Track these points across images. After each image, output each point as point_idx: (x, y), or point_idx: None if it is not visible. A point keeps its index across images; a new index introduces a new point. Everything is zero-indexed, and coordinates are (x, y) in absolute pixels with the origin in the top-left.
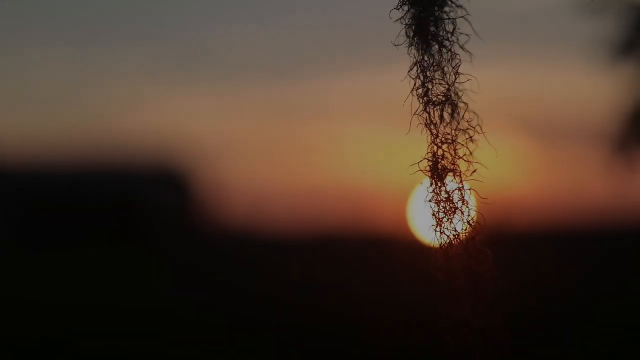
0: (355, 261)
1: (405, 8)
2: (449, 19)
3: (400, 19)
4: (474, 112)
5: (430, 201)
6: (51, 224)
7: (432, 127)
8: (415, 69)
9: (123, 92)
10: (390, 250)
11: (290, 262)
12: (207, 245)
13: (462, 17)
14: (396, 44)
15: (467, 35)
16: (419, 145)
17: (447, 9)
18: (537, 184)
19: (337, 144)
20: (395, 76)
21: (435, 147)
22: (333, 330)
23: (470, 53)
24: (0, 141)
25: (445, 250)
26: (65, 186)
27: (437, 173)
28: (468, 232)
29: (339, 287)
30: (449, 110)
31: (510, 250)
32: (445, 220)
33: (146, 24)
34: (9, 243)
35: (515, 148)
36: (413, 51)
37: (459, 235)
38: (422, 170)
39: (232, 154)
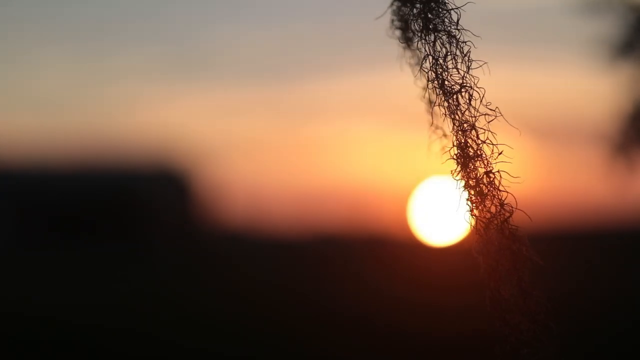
0: (355, 261)
1: (408, 4)
2: (453, 8)
3: (400, 15)
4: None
5: (460, 188)
6: (51, 224)
7: (453, 115)
8: (427, 61)
9: (123, 92)
10: (390, 249)
11: (290, 262)
12: (207, 244)
13: (460, 7)
14: (396, 41)
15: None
16: (419, 146)
17: (446, 0)
18: (537, 183)
19: (337, 144)
20: (396, 76)
21: (459, 135)
22: (333, 330)
23: (472, 44)
24: (0, 141)
25: (482, 234)
26: (65, 186)
27: (464, 159)
28: (501, 214)
29: (338, 287)
30: (466, 97)
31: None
32: (477, 204)
33: (147, 25)
34: (8, 243)
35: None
36: (421, 45)
37: (493, 218)
38: (449, 159)
39: (232, 154)
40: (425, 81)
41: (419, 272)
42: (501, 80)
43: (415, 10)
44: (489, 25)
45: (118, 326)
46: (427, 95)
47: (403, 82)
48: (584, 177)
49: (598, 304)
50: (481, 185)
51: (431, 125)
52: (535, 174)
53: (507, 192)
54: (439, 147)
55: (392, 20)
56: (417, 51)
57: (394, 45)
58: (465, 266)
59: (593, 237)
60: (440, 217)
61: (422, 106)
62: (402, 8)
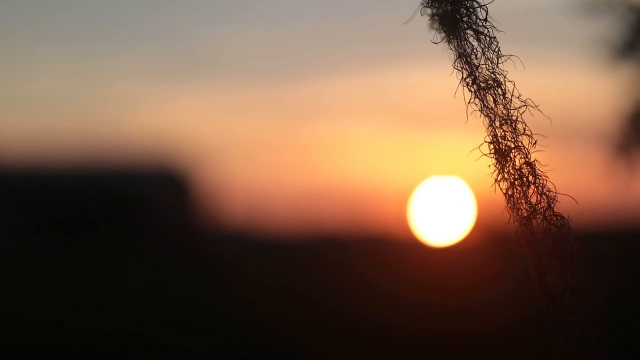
0: (355, 261)
1: (436, 4)
2: (479, 5)
3: (432, 15)
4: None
5: (499, 181)
6: (51, 224)
7: (488, 110)
8: (459, 60)
9: (123, 92)
10: (390, 249)
11: (290, 262)
12: (207, 244)
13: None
14: (434, 42)
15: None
16: (420, 145)
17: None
18: None
19: (337, 144)
20: (396, 76)
21: (495, 129)
22: (333, 330)
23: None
24: (0, 141)
25: (525, 223)
26: (66, 186)
27: (502, 153)
28: (543, 202)
29: (338, 287)
30: (500, 92)
31: (509, 250)
32: (519, 196)
33: (147, 25)
34: (8, 243)
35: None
36: (452, 43)
37: (535, 207)
38: (485, 154)
39: (232, 154)
40: (459, 79)
41: (419, 272)
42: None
43: (442, 10)
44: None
45: (118, 326)
46: (463, 92)
47: (403, 83)
48: (584, 177)
49: (598, 303)
50: (523, 176)
51: (469, 122)
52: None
53: (547, 179)
54: (479, 143)
55: (431, 20)
56: (452, 49)
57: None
58: (465, 266)
59: (593, 237)
60: (441, 217)
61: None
62: (432, 8)
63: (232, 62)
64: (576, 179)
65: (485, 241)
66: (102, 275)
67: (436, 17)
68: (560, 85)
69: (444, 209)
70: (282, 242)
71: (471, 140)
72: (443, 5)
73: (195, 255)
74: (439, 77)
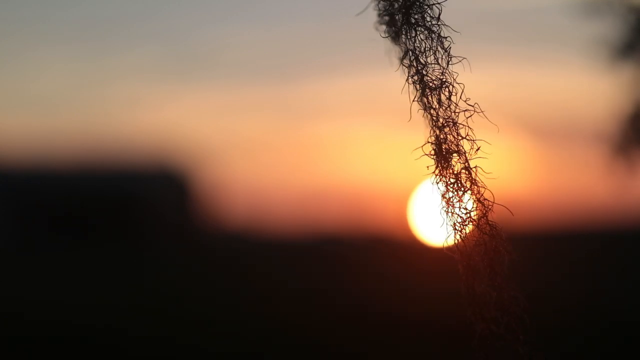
0: (355, 261)
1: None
2: (434, 3)
3: (384, 10)
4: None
5: (437, 183)
6: (51, 224)
7: (432, 111)
8: (408, 56)
9: (123, 92)
10: (390, 249)
11: (290, 262)
12: (207, 244)
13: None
14: (383, 37)
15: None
16: (419, 146)
17: None
18: (537, 184)
19: (337, 144)
20: (396, 76)
21: (437, 130)
22: (332, 329)
23: (451, 41)
24: (0, 141)
25: (459, 229)
26: (65, 186)
27: (442, 155)
28: (479, 209)
29: (338, 287)
30: (446, 93)
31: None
32: (454, 200)
33: (147, 25)
34: (8, 243)
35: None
36: (402, 40)
37: (470, 214)
38: (426, 154)
39: (232, 154)
40: (406, 76)
41: (419, 272)
42: (501, 80)
43: (396, 5)
44: (489, 25)
45: (118, 326)
46: (409, 90)
47: (404, 83)
48: (584, 177)
49: (597, 303)
50: (459, 180)
51: (414, 120)
52: (535, 174)
53: (486, 187)
54: (421, 142)
55: (379, 15)
56: (400, 46)
57: (382, 40)
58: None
59: (593, 237)
60: (441, 217)
61: (412, 103)
62: (385, 2)
63: (232, 62)
64: (576, 178)
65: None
66: (102, 275)
67: (387, 11)
68: (560, 85)
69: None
70: (282, 242)
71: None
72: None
73: (196, 255)
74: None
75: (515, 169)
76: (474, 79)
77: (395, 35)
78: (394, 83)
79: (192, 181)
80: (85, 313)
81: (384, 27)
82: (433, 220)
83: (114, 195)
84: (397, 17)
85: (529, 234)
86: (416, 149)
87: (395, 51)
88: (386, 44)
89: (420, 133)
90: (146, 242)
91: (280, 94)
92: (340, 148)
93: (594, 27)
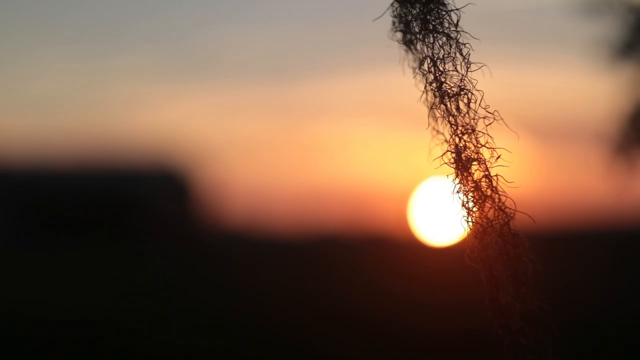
0: (355, 261)
1: (408, 5)
2: (452, 10)
3: (400, 17)
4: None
5: (457, 192)
6: (50, 223)
7: (451, 118)
8: (426, 63)
9: (123, 92)
10: (390, 249)
11: (290, 262)
12: (207, 244)
13: (459, 9)
14: (397, 43)
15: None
16: (419, 146)
17: (446, 2)
18: (537, 183)
19: (338, 145)
20: (396, 77)
21: (457, 138)
22: (333, 329)
23: (470, 46)
24: (0, 141)
25: (480, 238)
26: (65, 186)
27: (462, 163)
28: (500, 218)
29: (339, 286)
30: (465, 100)
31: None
32: (475, 209)
33: (147, 25)
34: (8, 242)
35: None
36: (420, 47)
37: (491, 223)
38: (446, 163)
39: (232, 154)
40: (424, 83)
41: (419, 272)
42: (501, 80)
43: (414, 11)
44: (489, 25)
45: (117, 326)
46: (426, 97)
47: (404, 83)
48: (584, 177)
49: (597, 303)
50: (480, 189)
51: (431, 128)
52: (535, 174)
53: (507, 195)
54: (438, 150)
55: (394, 22)
56: (417, 53)
57: (395, 46)
58: (464, 266)
59: (593, 237)
60: (441, 217)
61: (423, 108)
62: (402, 9)
63: (233, 62)
64: (576, 178)
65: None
66: (102, 275)
67: (404, 17)
68: (561, 85)
69: (444, 209)
70: (282, 242)
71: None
72: (414, 5)
73: (196, 254)
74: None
75: (514, 169)
76: (473, 79)
77: (410, 42)
78: (393, 84)
79: (192, 181)
80: (85, 313)
81: (399, 33)
82: (433, 220)
83: (114, 195)
84: (414, 24)
85: (528, 234)
86: (436, 158)
87: (410, 58)
88: (400, 51)
89: (420, 134)
90: (146, 242)
91: (281, 94)
92: (341, 148)
93: (594, 27)
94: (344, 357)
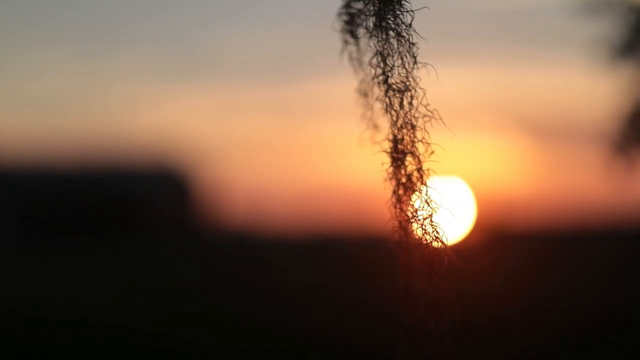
0: (355, 261)
1: (363, 2)
2: (407, 10)
3: (356, 13)
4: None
5: (389, 180)
6: (51, 224)
7: (392, 112)
8: (376, 58)
9: (123, 92)
10: (389, 249)
11: (290, 262)
12: (207, 244)
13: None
14: (340, 34)
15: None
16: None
17: (404, 2)
18: (537, 183)
19: (337, 145)
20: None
21: (395, 131)
22: (333, 329)
23: (417, 47)
24: (0, 141)
25: (404, 226)
26: (65, 186)
27: (396, 154)
28: (425, 210)
29: (338, 286)
30: (408, 96)
31: (509, 249)
32: (404, 198)
33: (147, 25)
34: (8, 242)
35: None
36: (373, 42)
37: (416, 213)
38: (383, 151)
39: (232, 154)
40: (367, 76)
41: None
42: (501, 80)
43: (372, 7)
44: (489, 25)
45: (116, 325)
46: (364, 88)
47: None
48: (584, 177)
49: (596, 302)
50: (411, 180)
51: (366, 117)
52: (534, 174)
53: (435, 189)
54: (370, 139)
55: (340, 14)
56: (364, 46)
57: (347, 44)
58: (465, 266)
59: (593, 237)
60: (441, 217)
61: (358, 99)
62: (355, 3)
63: (233, 63)
64: (575, 178)
65: (486, 241)
66: (102, 275)
67: (354, 12)
68: (561, 85)
69: (444, 209)
70: (282, 242)
71: (471, 140)
72: (372, 1)
73: (196, 254)
74: (439, 77)
75: (515, 169)
76: (474, 79)
77: (354, 34)
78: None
79: (192, 181)
80: (84, 312)
81: (344, 25)
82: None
83: (114, 195)
84: (369, 18)
85: (528, 234)
86: (374, 143)
87: (358, 52)
88: (348, 46)
89: (420, 134)
90: (146, 241)
91: (281, 94)
92: (341, 148)
93: (594, 27)
94: (344, 355)
